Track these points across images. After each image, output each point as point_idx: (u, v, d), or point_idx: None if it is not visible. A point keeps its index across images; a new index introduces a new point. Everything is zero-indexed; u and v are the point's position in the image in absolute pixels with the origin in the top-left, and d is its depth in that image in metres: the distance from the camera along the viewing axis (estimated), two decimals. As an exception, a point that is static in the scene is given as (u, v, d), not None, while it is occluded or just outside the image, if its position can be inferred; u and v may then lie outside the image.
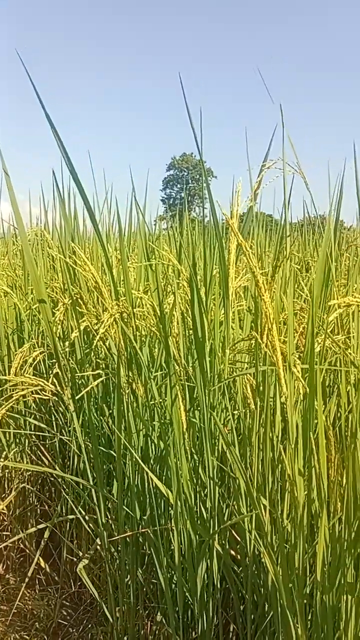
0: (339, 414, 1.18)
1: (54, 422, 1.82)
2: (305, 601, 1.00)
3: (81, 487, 1.50)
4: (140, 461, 1.17)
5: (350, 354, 1.18)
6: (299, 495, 0.89)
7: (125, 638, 1.38)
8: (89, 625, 1.70)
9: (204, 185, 1.15)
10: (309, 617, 1.01)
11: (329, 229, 1.09)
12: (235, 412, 1.21)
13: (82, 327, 1.31)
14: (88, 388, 1.16)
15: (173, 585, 1.24)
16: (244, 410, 1.16)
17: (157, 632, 1.33)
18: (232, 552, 1.23)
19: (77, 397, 1.31)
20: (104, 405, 1.54)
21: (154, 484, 1.17)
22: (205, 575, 1.17)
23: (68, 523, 1.76)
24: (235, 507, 1.16)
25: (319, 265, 1.10)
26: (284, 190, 1.03)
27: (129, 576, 1.36)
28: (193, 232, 2.41)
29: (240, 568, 1.24)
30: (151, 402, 1.28)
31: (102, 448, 1.44)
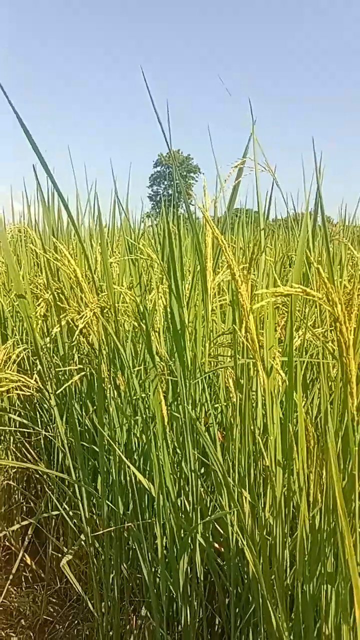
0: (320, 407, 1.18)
1: (38, 419, 1.82)
2: (287, 592, 1.01)
3: (66, 483, 1.50)
4: (122, 455, 1.17)
5: (330, 346, 1.19)
6: (278, 486, 0.90)
7: (110, 633, 1.38)
8: (75, 622, 1.70)
9: (175, 182, 1.15)
10: (291, 608, 1.02)
11: (306, 223, 1.10)
12: (217, 405, 1.21)
13: (62, 323, 1.30)
14: (69, 383, 1.15)
15: (157, 580, 1.25)
16: (224, 404, 1.17)
17: (142, 626, 1.34)
18: (216, 545, 1.23)
19: (57, 392, 1.31)
20: (87, 401, 1.54)
21: (136, 479, 1.17)
22: (189, 569, 1.18)
23: (53, 520, 1.76)
24: (219, 500, 1.17)
25: (298, 258, 1.10)
26: (257, 186, 1.04)
27: (113, 571, 1.36)
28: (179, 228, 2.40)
29: (225, 561, 1.25)
30: (134, 397, 1.28)
31: (84, 443, 1.44)
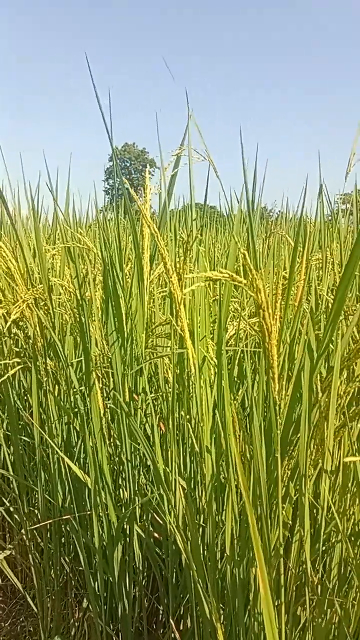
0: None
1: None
2: (221, 577, 1.02)
3: (10, 479, 1.48)
4: (55, 446, 1.16)
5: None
6: (207, 473, 0.91)
7: (51, 626, 1.37)
8: (20, 618, 1.68)
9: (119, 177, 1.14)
10: (223, 591, 1.04)
11: (239, 214, 1.11)
12: (157, 395, 1.22)
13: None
14: (4, 377, 1.13)
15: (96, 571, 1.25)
16: (161, 393, 1.17)
17: (83, 618, 1.34)
18: (156, 535, 1.24)
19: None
20: (29, 395, 1.52)
21: (72, 472, 1.16)
22: (127, 558, 1.18)
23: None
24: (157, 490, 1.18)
25: (232, 249, 1.12)
26: (190, 176, 1.04)
27: (52, 564, 1.35)
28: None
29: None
30: (73, 390, 1.27)
31: (25, 438, 1.42)
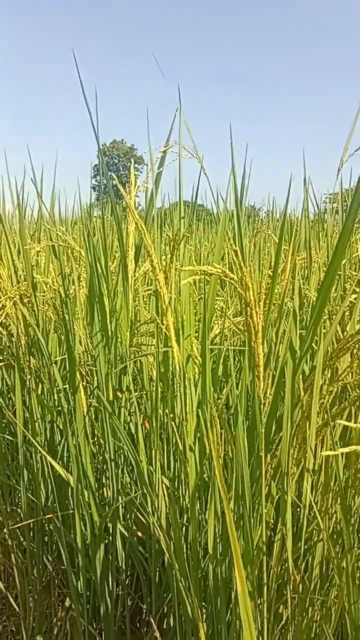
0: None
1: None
2: (203, 576, 1.02)
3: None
4: (38, 446, 1.15)
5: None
6: (191, 472, 0.91)
7: (34, 625, 1.36)
8: (3, 618, 1.67)
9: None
10: (205, 590, 1.04)
11: (225, 213, 1.11)
12: (136, 393, 1.21)
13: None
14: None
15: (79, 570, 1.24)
16: (145, 391, 1.17)
17: (65, 617, 1.33)
18: (139, 534, 1.24)
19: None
20: (12, 394, 1.50)
21: (55, 470, 1.16)
22: (110, 557, 1.18)
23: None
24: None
25: (217, 247, 1.12)
26: (180, 173, 1.04)
27: (35, 563, 1.34)
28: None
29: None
30: (56, 388, 1.26)
31: (7, 436, 1.41)
